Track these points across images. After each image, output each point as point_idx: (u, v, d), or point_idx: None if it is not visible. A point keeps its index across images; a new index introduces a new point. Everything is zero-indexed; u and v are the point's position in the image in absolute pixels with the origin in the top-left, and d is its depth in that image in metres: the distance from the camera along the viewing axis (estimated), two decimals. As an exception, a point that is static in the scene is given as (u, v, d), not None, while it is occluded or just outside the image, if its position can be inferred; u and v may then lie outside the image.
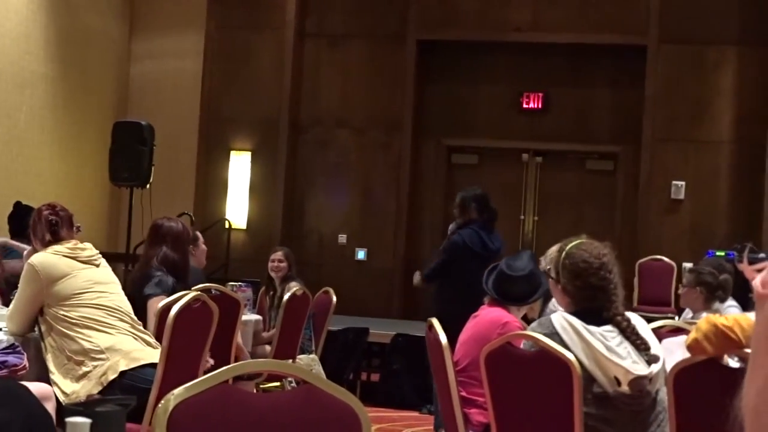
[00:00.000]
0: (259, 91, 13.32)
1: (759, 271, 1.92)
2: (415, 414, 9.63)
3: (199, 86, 13.50)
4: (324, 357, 8.43)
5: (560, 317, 4.06)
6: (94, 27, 13.07)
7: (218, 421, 2.16)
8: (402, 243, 13.09)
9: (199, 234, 7.28)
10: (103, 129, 11.82)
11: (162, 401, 2.14)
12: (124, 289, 5.21)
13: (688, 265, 11.59)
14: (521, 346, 4.27)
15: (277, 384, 7.51)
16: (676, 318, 7.89)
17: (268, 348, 7.75)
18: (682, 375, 3.80)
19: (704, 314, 6.42)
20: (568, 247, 4.05)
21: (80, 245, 5.06)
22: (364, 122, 13.27)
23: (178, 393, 2.14)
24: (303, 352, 7.95)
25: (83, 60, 12.84)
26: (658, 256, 11.58)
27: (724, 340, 3.58)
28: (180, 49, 13.68)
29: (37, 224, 5.10)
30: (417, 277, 8.51)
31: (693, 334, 3.69)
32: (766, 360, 1.79)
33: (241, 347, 6.94)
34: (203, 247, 7.24)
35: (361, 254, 13.18)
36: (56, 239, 5.04)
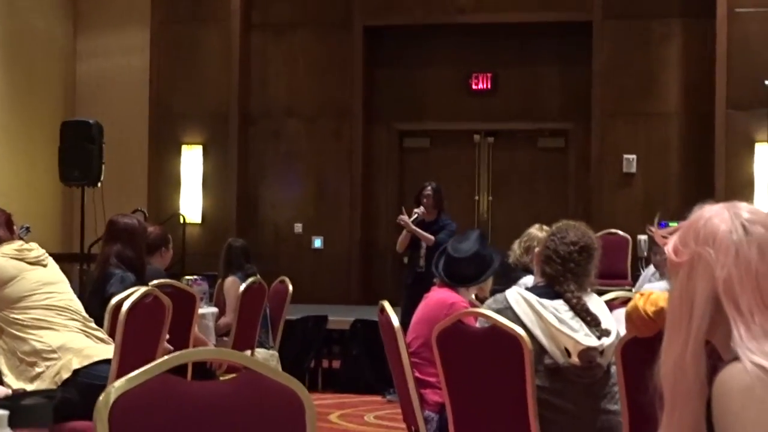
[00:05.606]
0: (207, 85, 13.25)
1: (672, 234, 1.94)
2: (378, 398, 9.66)
3: (147, 82, 13.41)
4: (283, 347, 8.43)
5: (514, 292, 4.16)
6: (38, 27, 12.96)
7: (160, 411, 2.17)
8: (358, 229, 13.09)
9: (170, 237, 7.26)
10: (51, 129, 11.69)
11: (102, 394, 2.14)
12: (83, 289, 5.19)
13: (642, 237, 11.68)
14: (476, 324, 4.33)
15: (234, 375, 7.50)
16: (632, 290, 7.97)
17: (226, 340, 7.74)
18: (629, 347, 3.84)
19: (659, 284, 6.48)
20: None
21: (26, 246, 5.02)
22: (314, 111, 13.24)
23: (118, 385, 2.14)
24: (262, 347, 7.94)
25: (28, 61, 12.73)
26: (613, 230, 11.65)
27: (642, 323, 3.66)
28: (126, 46, 13.59)
29: None
30: None
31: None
32: (681, 331, 1.83)
33: (203, 340, 6.93)
34: (170, 250, 7.22)
35: (317, 242, 13.17)
36: None
